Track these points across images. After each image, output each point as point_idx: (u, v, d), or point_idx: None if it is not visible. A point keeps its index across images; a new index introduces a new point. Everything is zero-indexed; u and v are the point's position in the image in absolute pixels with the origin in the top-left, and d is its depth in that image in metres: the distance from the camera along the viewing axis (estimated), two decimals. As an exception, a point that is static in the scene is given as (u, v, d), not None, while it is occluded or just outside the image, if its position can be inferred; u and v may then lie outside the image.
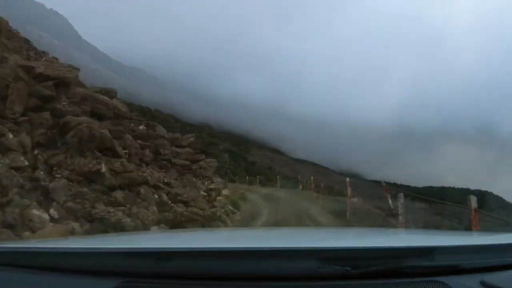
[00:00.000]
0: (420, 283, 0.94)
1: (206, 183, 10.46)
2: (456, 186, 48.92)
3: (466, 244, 1.24)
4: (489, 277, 0.91)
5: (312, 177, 20.69)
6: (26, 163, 5.46)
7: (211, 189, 10.02)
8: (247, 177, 32.00)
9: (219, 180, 12.91)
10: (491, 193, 35.94)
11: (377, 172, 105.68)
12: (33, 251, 1.13)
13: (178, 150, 10.12)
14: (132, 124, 8.73)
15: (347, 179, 10.97)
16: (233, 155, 64.91)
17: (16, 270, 1.00)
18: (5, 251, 1.13)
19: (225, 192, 11.75)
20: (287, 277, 0.95)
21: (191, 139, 11.71)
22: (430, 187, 60.59)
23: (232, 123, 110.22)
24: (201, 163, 11.15)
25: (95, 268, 1.00)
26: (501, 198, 30.39)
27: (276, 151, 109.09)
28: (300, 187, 21.93)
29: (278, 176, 29.64)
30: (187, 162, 9.99)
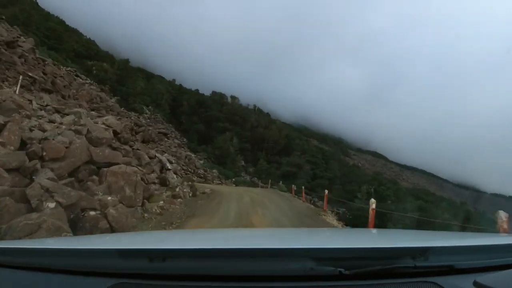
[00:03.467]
0: (413, 283, 0.96)
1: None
2: None
3: (459, 245, 1.22)
4: (482, 278, 0.89)
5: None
6: None
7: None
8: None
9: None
10: None
11: (502, 185, 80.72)
12: (30, 250, 1.16)
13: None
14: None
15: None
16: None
17: (13, 269, 1.03)
18: (1, 250, 1.15)
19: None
20: (281, 277, 0.97)
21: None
22: None
23: (325, 120, 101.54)
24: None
25: (91, 268, 1.02)
26: None
27: (377, 154, 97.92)
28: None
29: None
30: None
